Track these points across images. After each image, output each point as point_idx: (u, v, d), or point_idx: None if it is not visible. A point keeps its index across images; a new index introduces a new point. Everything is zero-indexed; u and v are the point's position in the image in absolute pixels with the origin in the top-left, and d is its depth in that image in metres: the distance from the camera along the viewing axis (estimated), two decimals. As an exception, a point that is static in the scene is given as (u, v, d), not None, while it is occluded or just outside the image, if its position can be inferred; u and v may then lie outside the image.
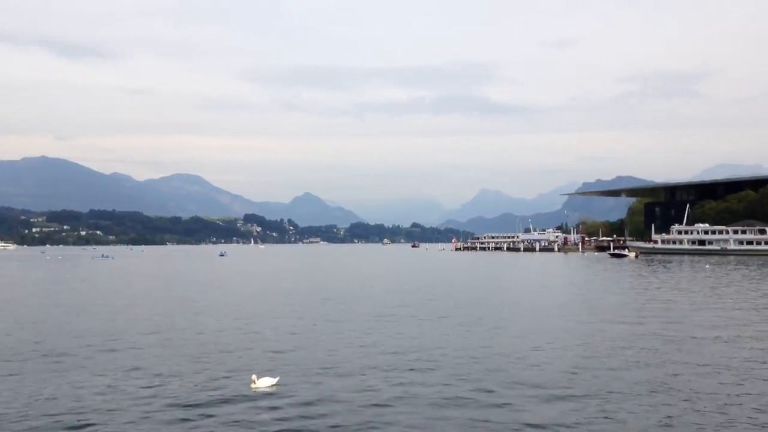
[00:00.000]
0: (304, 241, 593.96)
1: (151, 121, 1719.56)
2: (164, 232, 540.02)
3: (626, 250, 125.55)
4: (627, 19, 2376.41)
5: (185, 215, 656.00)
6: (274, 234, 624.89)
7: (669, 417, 12.85)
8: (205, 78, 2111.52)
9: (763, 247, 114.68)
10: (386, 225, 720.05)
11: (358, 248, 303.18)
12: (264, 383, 15.45)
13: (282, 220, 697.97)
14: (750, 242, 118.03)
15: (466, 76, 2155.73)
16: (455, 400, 14.16)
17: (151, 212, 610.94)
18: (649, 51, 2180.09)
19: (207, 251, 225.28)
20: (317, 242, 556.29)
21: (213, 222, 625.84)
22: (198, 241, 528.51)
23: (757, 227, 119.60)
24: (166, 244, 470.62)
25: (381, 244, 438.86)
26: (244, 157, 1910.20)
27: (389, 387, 15.37)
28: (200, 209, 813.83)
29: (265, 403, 14.13)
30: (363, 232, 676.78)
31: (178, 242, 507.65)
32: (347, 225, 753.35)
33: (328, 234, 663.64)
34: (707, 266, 73.15)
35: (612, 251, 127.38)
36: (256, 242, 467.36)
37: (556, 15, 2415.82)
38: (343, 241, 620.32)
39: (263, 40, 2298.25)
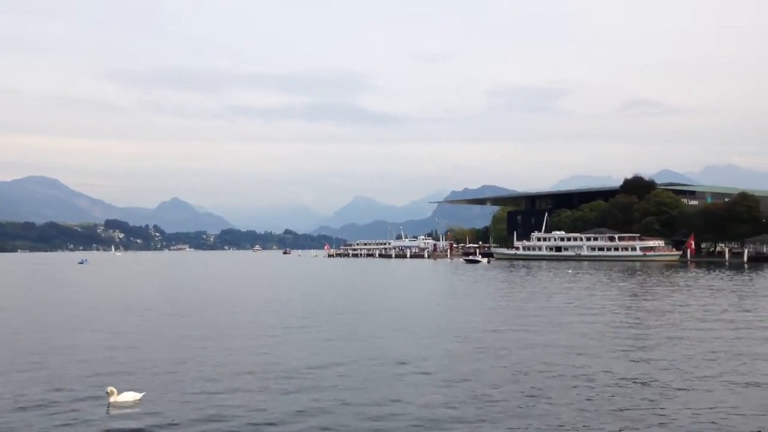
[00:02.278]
0: (171, 247, 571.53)
1: (2, 121, 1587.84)
2: (16, 239, 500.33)
3: (480, 255, 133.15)
4: (492, 39, 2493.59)
5: (40, 220, 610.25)
6: (138, 241, 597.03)
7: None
8: (66, 77, 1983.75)
9: (612, 252, 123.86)
10: (258, 231, 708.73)
11: (227, 255, 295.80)
12: (125, 398, 14.62)
13: (147, 226, 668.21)
14: (601, 248, 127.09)
15: (340, 84, 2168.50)
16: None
17: (1, 217, 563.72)
18: (514, 68, 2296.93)
19: (65, 259, 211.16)
20: (184, 249, 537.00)
21: (71, 228, 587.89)
22: (54, 248, 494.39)
23: (607, 234, 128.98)
24: (17, 251, 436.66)
25: (252, 251, 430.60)
26: (106, 160, 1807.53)
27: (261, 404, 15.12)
28: (57, 214, 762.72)
29: (120, 423, 13.40)
30: (234, 239, 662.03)
31: (32, 249, 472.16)
32: (217, 231, 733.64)
33: (197, 241, 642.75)
34: (569, 271, 78.20)
35: (467, 258, 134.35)
36: (117, 249, 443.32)
37: (429, 30, 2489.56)
38: (213, 248, 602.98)
39: (129, 39, 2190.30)
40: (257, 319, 30.75)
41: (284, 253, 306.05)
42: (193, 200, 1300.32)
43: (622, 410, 13.71)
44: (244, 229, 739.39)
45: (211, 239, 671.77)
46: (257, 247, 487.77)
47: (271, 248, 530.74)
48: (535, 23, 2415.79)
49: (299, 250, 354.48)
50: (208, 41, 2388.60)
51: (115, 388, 14.79)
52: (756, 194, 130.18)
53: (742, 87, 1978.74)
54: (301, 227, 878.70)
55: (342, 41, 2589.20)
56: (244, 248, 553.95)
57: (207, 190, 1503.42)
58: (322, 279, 71.82)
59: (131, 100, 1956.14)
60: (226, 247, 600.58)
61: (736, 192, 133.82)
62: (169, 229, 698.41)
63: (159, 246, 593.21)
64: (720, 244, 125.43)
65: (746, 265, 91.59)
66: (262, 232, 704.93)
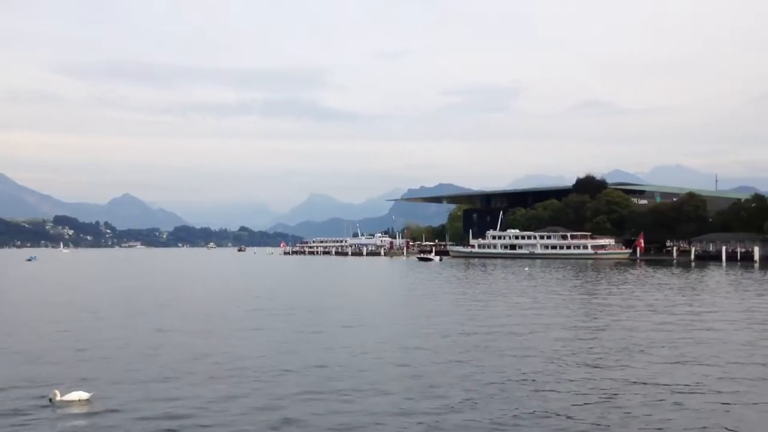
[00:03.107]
0: (123, 245, 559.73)
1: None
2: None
3: (433, 254, 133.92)
4: (447, 37, 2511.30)
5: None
6: (88, 238, 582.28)
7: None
8: (9, 69, 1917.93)
9: (565, 251, 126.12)
10: (213, 228, 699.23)
11: (180, 253, 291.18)
12: (71, 398, 14.23)
13: (98, 222, 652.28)
14: (554, 247, 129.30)
15: (297, 80, 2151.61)
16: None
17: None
18: (469, 67, 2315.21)
19: (12, 256, 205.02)
20: (136, 246, 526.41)
21: (18, 224, 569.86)
22: (0, 245, 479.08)
23: (560, 233, 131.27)
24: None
25: (206, 248, 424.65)
26: (55, 154, 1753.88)
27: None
28: (3, 210, 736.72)
29: (65, 423, 13.06)
30: (188, 236, 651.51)
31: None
32: (171, 228, 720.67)
33: (150, 238, 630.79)
34: (527, 269, 79.31)
35: (420, 256, 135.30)
36: (66, 246, 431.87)
37: (386, 27, 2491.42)
38: (166, 245, 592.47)
39: (76, 31, 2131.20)
40: (206, 318, 30.32)
41: (239, 250, 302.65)
42: (145, 196, 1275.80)
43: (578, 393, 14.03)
44: (198, 226, 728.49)
45: (165, 236, 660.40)
46: (211, 244, 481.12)
47: (227, 245, 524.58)
48: (489, 23, 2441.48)
49: (255, 248, 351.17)
50: (160, 35, 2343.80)
51: (60, 388, 14.42)
52: (703, 194, 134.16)
53: (689, 89, 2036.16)
54: (257, 224, 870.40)
55: (298, 37, 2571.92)
56: (198, 245, 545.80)
57: (160, 186, 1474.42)
58: (274, 277, 71.38)
59: (79, 93, 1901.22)
60: (180, 245, 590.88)
61: (683, 192, 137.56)
62: (121, 226, 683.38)
63: (110, 243, 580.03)
64: (669, 242, 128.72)
65: (693, 264, 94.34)
66: (217, 229, 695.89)
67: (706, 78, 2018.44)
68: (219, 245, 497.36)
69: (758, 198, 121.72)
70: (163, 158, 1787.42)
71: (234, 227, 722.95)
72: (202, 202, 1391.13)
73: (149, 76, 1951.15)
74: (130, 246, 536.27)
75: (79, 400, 14.21)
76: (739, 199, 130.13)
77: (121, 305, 36.39)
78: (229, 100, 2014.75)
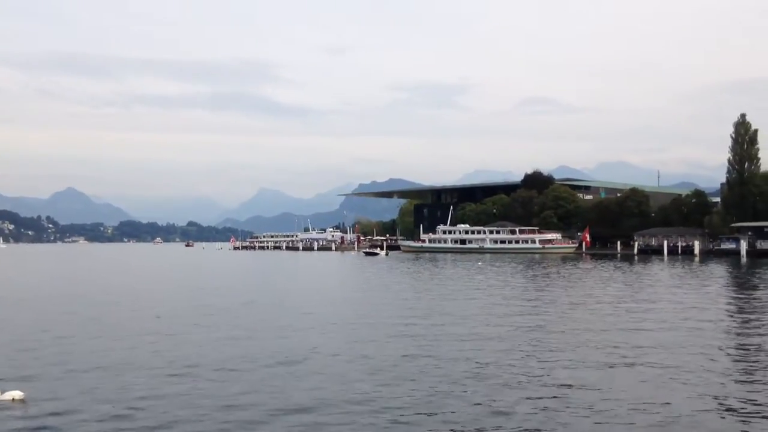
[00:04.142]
0: (66, 240, 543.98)
1: None
2: None
3: (378, 249, 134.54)
4: (396, 33, 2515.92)
5: None
6: (30, 233, 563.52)
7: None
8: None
9: (513, 245, 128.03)
10: (160, 223, 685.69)
11: (125, 248, 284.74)
12: (3, 398, 13.64)
13: (39, 217, 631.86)
14: (503, 241, 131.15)
15: (245, 74, 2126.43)
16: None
17: None
18: (417, 63, 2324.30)
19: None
20: (79, 241, 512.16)
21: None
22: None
23: (509, 228, 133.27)
24: None
25: (152, 243, 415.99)
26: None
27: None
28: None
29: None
30: (134, 231, 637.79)
31: None
32: (116, 223, 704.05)
33: (94, 232, 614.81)
34: (479, 263, 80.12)
35: (366, 251, 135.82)
36: (6, 241, 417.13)
37: (334, 22, 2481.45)
38: (111, 240, 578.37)
39: (14, 22, 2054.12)
40: (146, 314, 29.55)
41: (187, 245, 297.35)
42: (89, 190, 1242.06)
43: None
44: (144, 221, 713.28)
45: (109, 231, 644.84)
46: (158, 239, 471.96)
47: (174, 241, 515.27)
48: (438, 20, 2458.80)
49: (203, 243, 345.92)
50: (104, 26, 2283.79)
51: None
52: (645, 190, 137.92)
53: (632, 87, 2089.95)
54: (206, 219, 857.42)
55: (247, 30, 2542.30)
56: (144, 241, 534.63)
57: (105, 180, 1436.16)
58: (219, 272, 70.57)
59: (18, 84, 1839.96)
60: (126, 240, 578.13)
61: (627, 188, 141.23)
62: (64, 221, 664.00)
63: (52, 238, 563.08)
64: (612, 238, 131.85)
65: (636, 257, 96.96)
66: (164, 224, 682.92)
67: (648, 77, 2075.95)
68: (166, 240, 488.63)
69: (698, 194, 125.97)
70: (108, 152, 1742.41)
71: (182, 222, 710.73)
72: (148, 197, 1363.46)
73: (93, 68, 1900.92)
74: (73, 241, 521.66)
75: (13, 399, 13.67)
76: (680, 195, 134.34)
77: (72, 301, 35.24)
78: (175, 92, 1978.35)
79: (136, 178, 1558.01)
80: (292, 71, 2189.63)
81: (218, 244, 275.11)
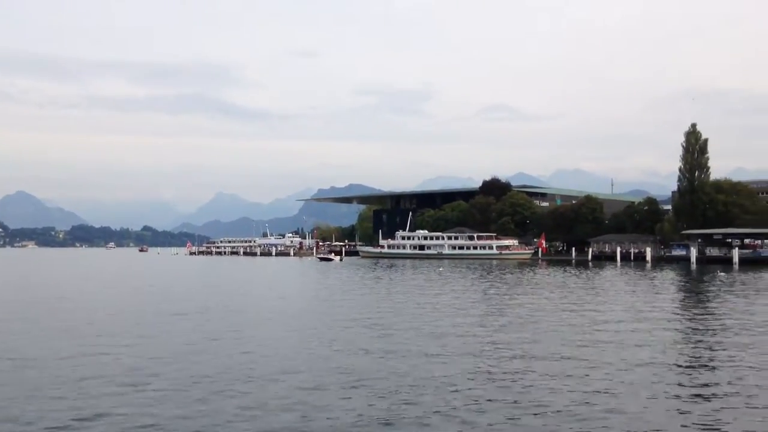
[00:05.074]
0: (15, 244, 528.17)
1: None
2: None
3: (333, 254, 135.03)
4: (360, 38, 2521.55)
5: None
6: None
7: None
8: None
9: (471, 251, 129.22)
10: (113, 228, 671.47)
11: (77, 253, 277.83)
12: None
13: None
14: (461, 247, 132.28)
15: (205, 77, 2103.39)
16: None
17: None
18: (381, 70, 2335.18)
19: None
20: (29, 246, 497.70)
21: None
22: None
23: (467, 234, 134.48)
24: None
25: (105, 248, 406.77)
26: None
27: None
28: None
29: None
30: (87, 235, 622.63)
31: None
32: (68, 227, 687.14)
33: (46, 237, 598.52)
34: (441, 269, 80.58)
35: (321, 256, 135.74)
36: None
37: (298, 26, 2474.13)
38: (62, 244, 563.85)
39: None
40: (90, 322, 28.93)
41: (141, 250, 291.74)
42: (41, 194, 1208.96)
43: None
44: (98, 225, 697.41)
45: (61, 235, 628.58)
46: (111, 244, 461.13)
47: (128, 246, 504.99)
48: (401, 27, 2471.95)
49: (158, 248, 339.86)
50: (61, 27, 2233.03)
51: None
52: (600, 197, 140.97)
53: (588, 97, 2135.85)
54: (161, 224, 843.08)
55: (208, 32, 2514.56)
56: (97, 246, 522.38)
57: (57, 183, 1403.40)
58: (169, 278, 69.45)
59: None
60: (78, 244, 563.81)
61: (582, 195, 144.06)
62: (14, 225, 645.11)
63: (1, 243, 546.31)
64: (562, 244, 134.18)
65: (590, 263, 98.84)
66: (118, 229, 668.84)
67: (604, 87, 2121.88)
68: (120, 245, 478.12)
69: (650, 201, 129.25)
70: (60, 155, 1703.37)
71: (136, 227, 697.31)
72: (103, 201, 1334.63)
73: (50, 69, 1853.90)
74: (22, 245, 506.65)
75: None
76: (633, 203, 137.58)
77: (13, 308, 34.27)
78: (134, 94, 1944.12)
79: (90, 181, 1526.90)
80: (252, 74, 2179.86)
81: (174, 249, 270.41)
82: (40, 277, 69.87)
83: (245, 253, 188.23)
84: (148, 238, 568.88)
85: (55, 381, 16.09)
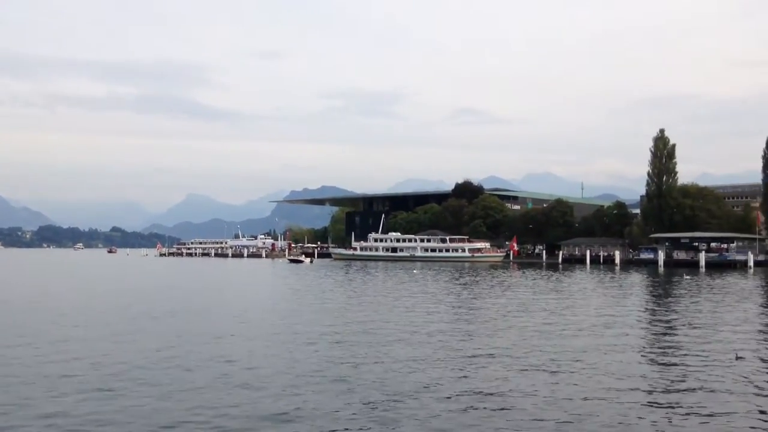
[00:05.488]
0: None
1: None
2: None
3: (303, 256, 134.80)
4: (329, 40, 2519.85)
5: None
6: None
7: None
8: None
9: (444, 254, 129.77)
10: (82, 228, 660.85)
11: (44, 253, 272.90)
12: None
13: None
14: (434, 249, 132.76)
15: (174, 76, 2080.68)
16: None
17: None
18: (351, 71, 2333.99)
19: None
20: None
21: None
22: None
23: (440, 236, 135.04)
24: None
25: (73, 249, 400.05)
26: None
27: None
28: None
29: None
30: (54, 236, 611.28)
31: None
32: (35, 228, 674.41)
33: (12, 237, 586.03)
34: (416, 271, 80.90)
35: (290, 258, 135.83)
36: None
37: (267, 27, 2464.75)
38: (29, 245, 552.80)
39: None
40: (53, 323, 28.61)
41: (109, 251, 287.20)
42: (7, 193, 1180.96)
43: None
44: (65, 226, 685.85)
45: (28, 236, 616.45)
46: (79, 245, 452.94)
47: (97, 247, 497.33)
48: (373, 30, 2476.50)
49: (128, 249, 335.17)
50: (24, 24, 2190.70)
51: None
52: (570, 201, 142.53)
53: (558, 101, 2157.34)
54: (131, 225, 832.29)
55: (176, 32, 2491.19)
56: (65, 246, 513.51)
57: (24, 182, 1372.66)
58: (137, 279, 68.73)
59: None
60: (45, 245, 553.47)
61: (552, 198, 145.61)
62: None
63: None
64: (539, 246, 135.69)
65: (560, 266, 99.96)
66: (86, 229, 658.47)
67: (573, 91, 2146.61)
68: (88, 246, 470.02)
69: (619, 205, 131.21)
70: (27, 154, 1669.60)
71: (105, 228, 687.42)
72: (70, 201, 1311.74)
73: (12, 66, 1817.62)
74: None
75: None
76: (602, 206, 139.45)
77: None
78: (99, 93, 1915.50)
79: (58, 181, 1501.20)
80: (223, 75, 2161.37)
81: (144, 251, 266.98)
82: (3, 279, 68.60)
83: (217, 255, 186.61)
84: (117, 239, 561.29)
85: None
